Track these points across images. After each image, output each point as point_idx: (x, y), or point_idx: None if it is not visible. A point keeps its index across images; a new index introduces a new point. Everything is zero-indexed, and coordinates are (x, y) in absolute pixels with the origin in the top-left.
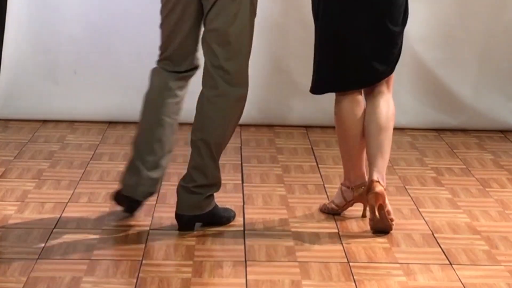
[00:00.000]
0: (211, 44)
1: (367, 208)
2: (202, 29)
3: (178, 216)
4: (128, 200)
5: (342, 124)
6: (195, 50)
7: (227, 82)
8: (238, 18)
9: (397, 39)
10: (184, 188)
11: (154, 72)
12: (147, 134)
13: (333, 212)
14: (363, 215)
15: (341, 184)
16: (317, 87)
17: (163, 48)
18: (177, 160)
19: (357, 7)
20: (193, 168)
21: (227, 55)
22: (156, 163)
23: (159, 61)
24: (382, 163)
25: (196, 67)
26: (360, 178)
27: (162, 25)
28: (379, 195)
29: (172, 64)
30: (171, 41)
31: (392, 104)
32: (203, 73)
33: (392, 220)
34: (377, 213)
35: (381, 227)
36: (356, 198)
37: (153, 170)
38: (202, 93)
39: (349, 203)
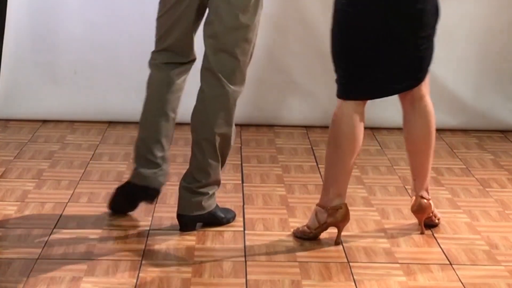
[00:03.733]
0: None
1: (341, 235)
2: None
3: (180, 216)
4: (146, 190)
5: (338, 134)
6: (193, 42)
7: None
8: None
9: (431, 41)
10: (186, 188)
11: (153, 66)
12: (155, 130)
13: (305, 236)
14: (336, 243)
15: (317, 204)
16: (350, 91)
17: (163, 39)
18: (177, 160)
19: (392, 18)
20: (196, 168)
21: None
22: (165, 158)
23: (157, 52)
24: (427, 175)
25: (194, 59)
26: (339, 199)
27: (161, 17)
28: (423, 209)
29: (175, 55)
30: (171, 33)
31: (432, 107)
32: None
33: (439, 219)
34: (422, 228)
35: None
36: (330, 222)
37: (165, 164)
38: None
39: (322, 226)
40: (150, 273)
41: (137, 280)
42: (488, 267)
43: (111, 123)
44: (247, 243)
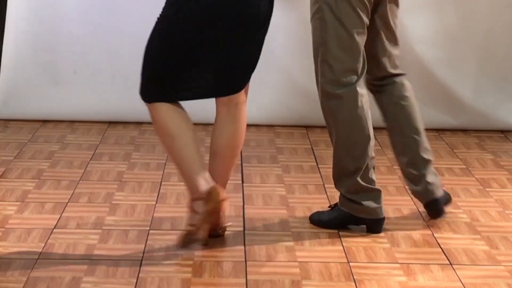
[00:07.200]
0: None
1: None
2: None
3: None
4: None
5: (168, 132)
6: None
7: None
8: None
9: (258, 48)
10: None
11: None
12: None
13: (193, 237)
14: (222, 231)
15: (190, 200)
16: (157, 93)
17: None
18: None
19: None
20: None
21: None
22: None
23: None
24: (224, 184)
25: None
26: (205, 183)
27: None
28: (220, 205)
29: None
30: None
31: (246, 116)
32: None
33: (223, 231)
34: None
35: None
36: (210, 207)
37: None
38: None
39: (205, 218)
40: (150, 273)
41: (137, 280)
42: (488, 267)
43: (111, 123)
44: (247, 243)
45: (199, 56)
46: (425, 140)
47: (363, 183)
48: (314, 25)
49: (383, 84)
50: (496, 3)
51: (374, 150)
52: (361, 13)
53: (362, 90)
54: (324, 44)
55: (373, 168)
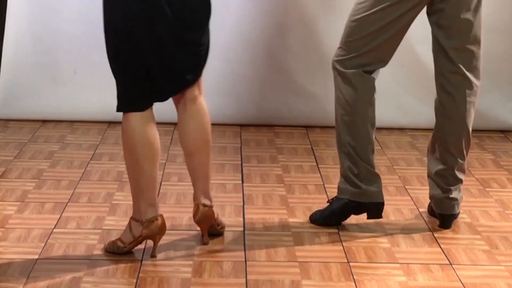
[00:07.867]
0: None
1: (157, 247)
2: None
3: (451, 216)
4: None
5: (131, 143)
6: None
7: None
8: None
9: (204, 42)
10: (454, 189)
11: (357, 75)
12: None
13: (118, 251)
14: (152, 256)
15: (131, 217)
16: (127, 104)
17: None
18: (177, 160)
19: (156, 17)
20: (458, 169)
21: None
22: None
23: (355, 58)
24: (207, 181)
25: None
26: (152, 210)
27: (370, 15)
28: (206, 218)
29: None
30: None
31: (206, 107)
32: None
33: (222, 227)
34: (205, 238)
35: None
36: (146, 235)
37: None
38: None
39: (137, 240)
40: (150, 273)
41: (137, 280)
42: (488, 267)
43: (111, 123)
44: (247, 243)
45: (150, 58)
46: (465, 162)
47: (363, 164)
48: (353, 7)
49: (449, 89)
50: (496, 2)
51: (374, 136)
52: (401, 9)
53: (370, 76)
54: (350, 27)
55: (373, 153)
